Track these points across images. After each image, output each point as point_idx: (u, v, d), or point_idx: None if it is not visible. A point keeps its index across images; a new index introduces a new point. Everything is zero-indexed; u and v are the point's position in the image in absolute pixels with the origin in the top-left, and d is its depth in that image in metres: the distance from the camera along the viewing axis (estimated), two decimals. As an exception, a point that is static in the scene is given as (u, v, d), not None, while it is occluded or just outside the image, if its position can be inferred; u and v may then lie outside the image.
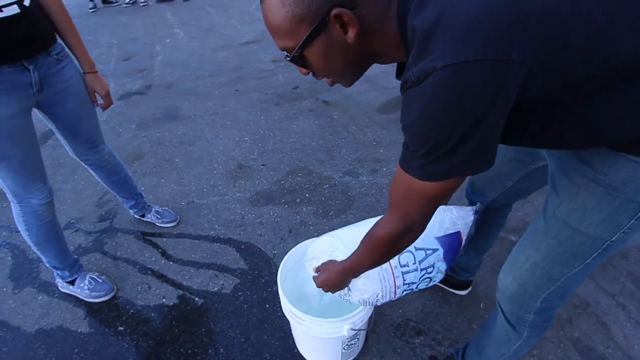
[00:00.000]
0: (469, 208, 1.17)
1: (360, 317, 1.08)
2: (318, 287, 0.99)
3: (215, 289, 1.59)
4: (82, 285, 1.55)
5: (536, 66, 0.52)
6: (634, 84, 0.57)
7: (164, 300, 1.56)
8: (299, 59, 0.66)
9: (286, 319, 1.24)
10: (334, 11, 0.58)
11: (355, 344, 1.24)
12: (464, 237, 1.14)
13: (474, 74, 0.51)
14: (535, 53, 0.51)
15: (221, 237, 1.82)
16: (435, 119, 0.55)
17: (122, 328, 1.47)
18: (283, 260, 1.21)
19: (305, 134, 2.52)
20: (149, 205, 1.89)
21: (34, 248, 1.46)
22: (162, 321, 1.48)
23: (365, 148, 2.33)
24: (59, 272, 1.55)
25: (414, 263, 1.07)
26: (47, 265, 1.53)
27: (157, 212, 1.88)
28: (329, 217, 1.88)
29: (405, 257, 1.05)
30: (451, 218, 1.13)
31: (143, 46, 4.26)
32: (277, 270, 1.17)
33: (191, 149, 2.47)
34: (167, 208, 1.92)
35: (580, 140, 0.67)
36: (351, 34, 0.61)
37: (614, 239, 0.73)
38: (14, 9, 1.08)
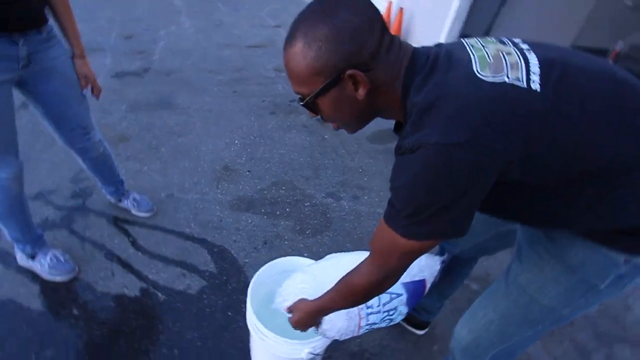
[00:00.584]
0: (437, 258, 1.23)
1: (321, 343, 1.11)
2: (293, 327, 1.01)
3: (181, 287, 1.57)
4: (42, 261, 1.51)
5: (515, 157, 0.59)
6: (596, 186, 0.64)
7: (125, 290, 1.53)
8: (311, 105, 0.72)
9: (247, 330, 1.25)
10: (349, 71, 0.64)
11: (311, 367, 1.26)
12: (427, 285, 1.19)
13: (460, 155, 0.57)
14: (517, 147, 0.58)
15: (195, 236, 1.82)
16: (420, 190, 0.61)
17: (77, 312, 1.43)
18: (257, 274, 1.22)
19: (295, 148, 2.56)
20: (127, 191, 1.86)
21: None
22: (120, 312, 1.45)
23: (351, 173, 2.39)
24: (20, 245, 1.50)
25: (379, 305, 1.11)
26: (7, 237, 1.47)
27: (134, 199, 1.85)
28: (305, 235, 1.91)
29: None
30: (419, 266, 1.18)
31: (146, 28, 4.22)
32: (246, 279, 1.18)
33: (180, 141, 2.45)
34: (145, 197, 1.90)
35: (545, 223, 0.74)
36: (362, 92, 0.67)
37: (566, 311, 0.80)
38: None
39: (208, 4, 5.44)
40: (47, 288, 1.50)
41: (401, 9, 4.62)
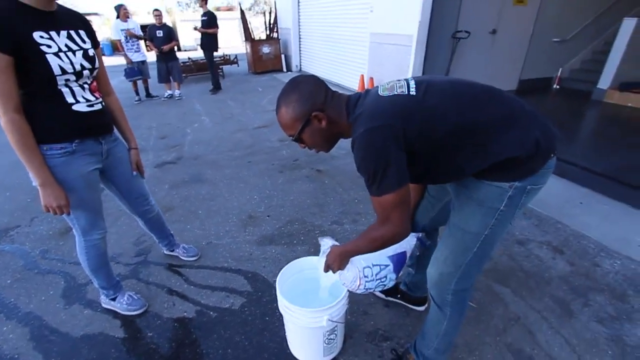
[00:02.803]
0: (413, 234, 1.49)
1: (337, 309, 1.35)
2: (328, 265, 1.24)
3: (227, 305, 1.83)
4: (121, 300, 1.81)
5: (408, 127, 0.94)
6: (465, 145, 0.97)
7: (185, 314, 1.80)
8: (298, 139, 1.10)
9: (281, 328, 1.49)
10: (313, 114, 1.04)
11: (334, 339, 1.47)
12: (408, 255, 1.45)
13: (377, 132, 0.93)
14: (406, 121, 0.94)
15: (233, 268, 2.10)
16: (367, 161, 0.95)
17: (150, 334, 1.69)
18: (282, 270, 1.49)
19: (302, 194, 2.92)
20: (177, 243, 2.20)
21: (90, 274, 1.72)
22: (183, 330, 1.71)
23: (349, 204, 2.71)
24: (105, 291, 1.81)
25: (372, 276, 1.34)
26: (97, 286, 1.79)
27: (183, 247, 2.18)
28: (319, 254, 2.18)
29: (367, 271, 1.33)
30: (400, 242, 1.44)
31: (176, 129, 4.90)
32: (276, 293, 1.41)
33: (211, 204, 2.84)
34: (191, 246, 2.23)
35: (454, 176, 1.06)
36: (324, 124, 1.06)
37: (486, 232, 1.07)
38: (100, 106, 1.52)
39: (220, 103, 6.24)
40: (127, 321, 1.77)
41: (371, 78, 5.31)
